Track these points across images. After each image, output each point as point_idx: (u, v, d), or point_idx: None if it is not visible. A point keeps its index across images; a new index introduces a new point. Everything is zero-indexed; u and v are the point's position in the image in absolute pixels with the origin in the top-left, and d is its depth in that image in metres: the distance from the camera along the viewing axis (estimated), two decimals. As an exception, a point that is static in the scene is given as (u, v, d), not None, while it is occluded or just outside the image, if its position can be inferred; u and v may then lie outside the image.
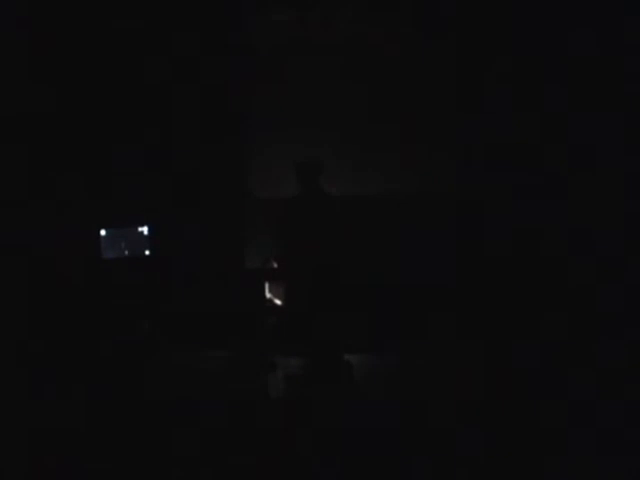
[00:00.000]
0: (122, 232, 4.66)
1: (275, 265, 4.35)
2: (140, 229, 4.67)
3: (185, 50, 4.65)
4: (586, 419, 3.20)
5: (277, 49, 4.71)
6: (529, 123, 4.53)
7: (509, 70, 4.46)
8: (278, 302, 4.39)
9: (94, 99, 4.72)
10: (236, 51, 4.74)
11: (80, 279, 4.62)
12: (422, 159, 4.71)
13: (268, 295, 4.43)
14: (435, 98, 4.69)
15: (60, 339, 4.30)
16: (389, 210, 4.71)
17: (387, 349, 4.40)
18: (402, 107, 4.69)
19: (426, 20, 4.49)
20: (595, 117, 4.40)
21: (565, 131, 4.46)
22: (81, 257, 4.65)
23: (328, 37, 4.64)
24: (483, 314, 4.40)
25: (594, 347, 3.97)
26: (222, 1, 4.62)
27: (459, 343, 4.26)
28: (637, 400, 3.32)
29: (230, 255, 4.74)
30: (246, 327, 4.34)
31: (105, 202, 4.72)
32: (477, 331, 4.33)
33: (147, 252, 4.66)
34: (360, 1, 4.54)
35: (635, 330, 4.02)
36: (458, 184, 4.67)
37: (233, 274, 4.61)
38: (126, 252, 4.66)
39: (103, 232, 4.64)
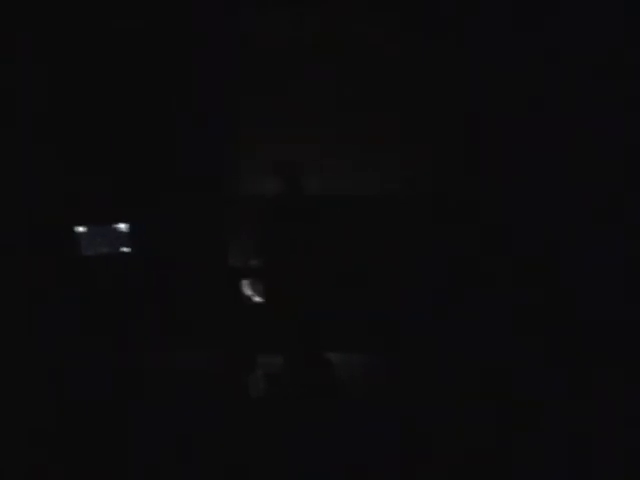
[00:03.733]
0: (101, 229, 4.42)
1: (255, 263, 4.05)
2: (120, 226, 4.41)
3: (170, 45, 4.63)
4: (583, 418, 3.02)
5: (266, 47, 4.69)
6: (527, 125, 4.36)
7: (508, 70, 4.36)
8: (258, 299, 4.01)
9: (74, 94, 4.65)
10: (223, 47, 4.72)
11: (59, 276, 4.35)
12: (415, 160, 4.53)
13: (249, 293, 4.05)
14: (429, 98, 4.55)
15: (40, 336, 4.04)
16: (377, 210, 4.49)
17: (369, 348, 4.11)
18: (394, 107, 4.55)
19: (425, 20, 4.50)
20: (587, 122, 4.27)
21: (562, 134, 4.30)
22: (60, 254, 4.38)
23: (321, 36, 4.62)
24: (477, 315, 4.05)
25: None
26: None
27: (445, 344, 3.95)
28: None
29: (213, 253, 4.41)
30: (228, 325, 3.97)
31: (84, 199, 4.50)
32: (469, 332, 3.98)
33: (126, 249, 4.36)
34: (359, 1, 4.59)
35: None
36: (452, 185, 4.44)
37: (215, 272, 4.25)
38: (105, 249, 4.37)
39: (82, 229, 4.41)
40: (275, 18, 4.65)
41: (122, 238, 4.39)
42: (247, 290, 4.09)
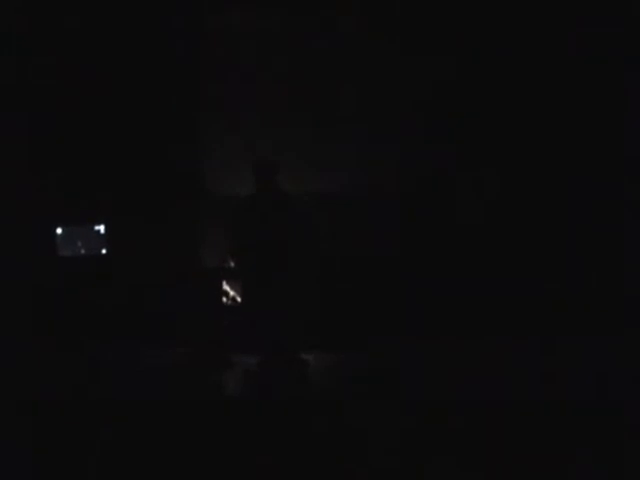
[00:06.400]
0: (78, 230, 4.53)
1: (232, 263, 4.24)
2: (97, 227, 4.53)
3: (143, 45, 4.64)
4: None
5: (235, 46, 4.71)
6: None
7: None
8: (229, 301, 4.26)
9: (50, 96, 4.62)
10: (195, 46, 4.72)
11: (36, 277, 4.45)
12: (383, 158, 4.73)
13: (231, 292, 4.29)
14: (395, 98, 4.73)
15: (17, 336, 4.14)
16: (348, 207, 4.71)
17: (346, 347, 4.32)
18: (363, 105, 4.72)
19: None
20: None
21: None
22: (37, 255, 4.48)
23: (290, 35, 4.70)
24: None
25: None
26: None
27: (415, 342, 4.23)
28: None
29: (188, 253, 4.61)
30: (203, 325, 4.21)
31: (61, 200, 4.58)
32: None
33: (104, 251, 4.51)
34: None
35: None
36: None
37: (190, 272, 4.46)
38: (82, 251, 4.51)
39: (59, 230, 4.51)
40: (247, 17, 4.64)
41: (99, 239, 4.52)
42: (227, 289, 4.31)
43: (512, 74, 4.63)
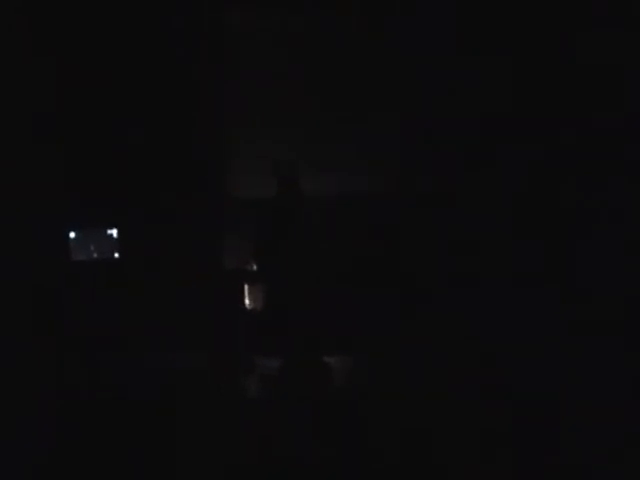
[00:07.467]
0: (91, 234, 4.68)
1: (253, 266, 4.38)
2: (109, 232, 4.69)
3: (160, 46, 4.64)
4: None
5: (255, 47, 4.72)
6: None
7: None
8: (250, 305, 4.42)
9: (63, 95, 4.66)
10: (212, 46, 4.72)
11: (48, 281, 4.54)
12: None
13: (246, 301, 4.45)
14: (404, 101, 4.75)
15: (30, 342, 4.25)
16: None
17: (366, 350, 4.40)
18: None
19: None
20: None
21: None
22: (49, 259, 4.59)
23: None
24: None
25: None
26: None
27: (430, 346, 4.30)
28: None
29: (208, 256, 4.73)
30: (224, 327, 4.37)
31: (74, 204, 4.68)
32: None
33: (116, 255, 4.69)
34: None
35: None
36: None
37: (211, 275, 4.61)
38: (95, 255, 4.68)
39: (72, 234, 4.65)
40: (260, 17, 4.59)
41: (113, 243, 4.69)
42: (245, 298, 4.42)
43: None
